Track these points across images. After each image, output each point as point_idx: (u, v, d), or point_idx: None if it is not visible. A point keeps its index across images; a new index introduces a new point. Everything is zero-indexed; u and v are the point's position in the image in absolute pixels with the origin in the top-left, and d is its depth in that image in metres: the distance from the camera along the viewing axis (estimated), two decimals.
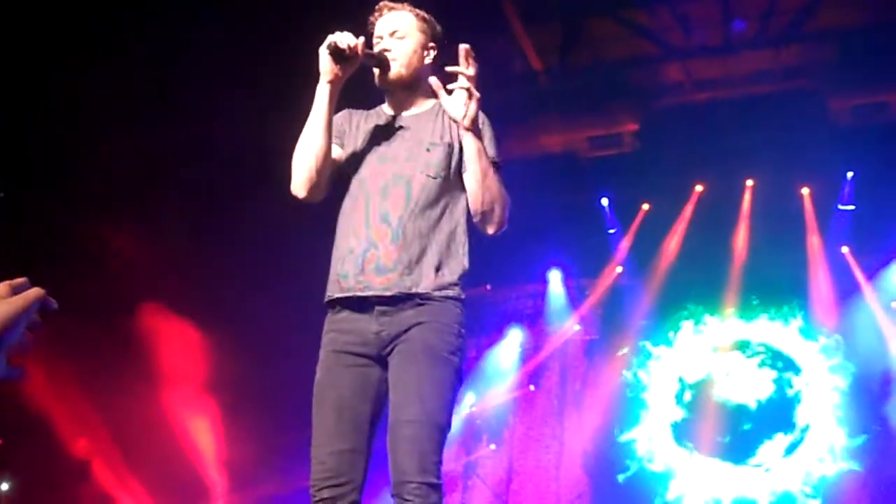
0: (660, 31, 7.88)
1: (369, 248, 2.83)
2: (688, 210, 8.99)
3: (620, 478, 8.90)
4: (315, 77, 2.89)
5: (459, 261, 2.90)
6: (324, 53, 2.86)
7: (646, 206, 9.18)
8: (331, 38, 2.84)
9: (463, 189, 2.93)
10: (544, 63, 8.14)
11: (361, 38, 2.88)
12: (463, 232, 2.94)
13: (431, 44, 3.07)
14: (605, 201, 9.31)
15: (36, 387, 6.85)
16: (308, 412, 2.82)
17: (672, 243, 9.07)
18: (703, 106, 8.30)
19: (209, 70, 6.31)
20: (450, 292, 2.83)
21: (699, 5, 7.64)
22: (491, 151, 2.94)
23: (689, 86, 8.36)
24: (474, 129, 2.84)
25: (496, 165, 2.94)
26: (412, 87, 3.04)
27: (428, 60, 3.05)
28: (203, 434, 8.12)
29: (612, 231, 9.36)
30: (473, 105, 2.82)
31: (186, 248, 7.44)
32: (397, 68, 2.99)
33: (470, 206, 2.91)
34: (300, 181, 2.90)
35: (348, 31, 2.88)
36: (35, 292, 1.25)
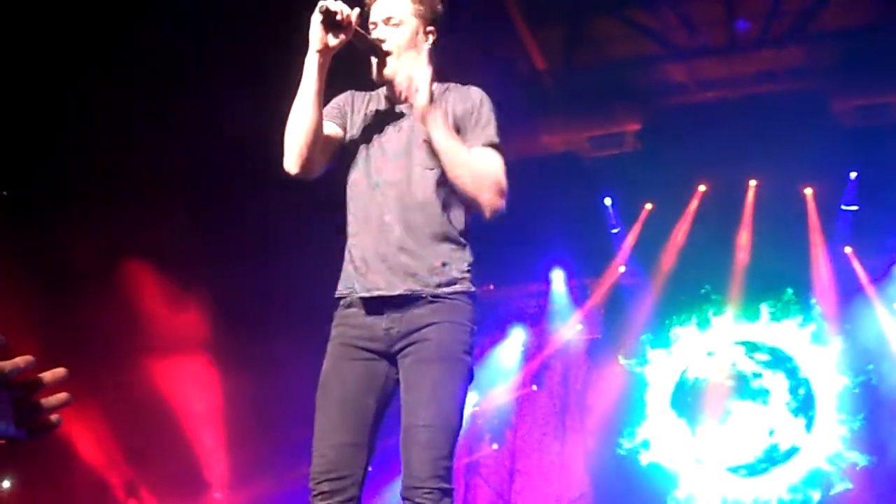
0: (663, 31, 7.87)
1: (373, 247, 2.78)
2: (690, 210, 8.98)
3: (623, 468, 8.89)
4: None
5: (464, 254, 2.83)
6: (315, 19, 2.72)
7: (648, 206, 9.17)
8: (322, 3, 2.69)
9: None
10: (548, 63, 8.13)
11: (357, 10, 2.76)
12: (465, 223, 2.87)
13: (430, 28, 2.92)
14: (607, 201, 9.30)
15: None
16: (310, 411, 2.81)
17: (675, 243, 9.06)
18: (707, 106, 8.28)
19: (216, 53, 6.28)
20: (458, 287, 2.77)
21: (703, 5, 7.63)
22: (488, 132, 2.84)
23: (692, 86, 8.34)
24: (428, 120, 2.72)
25: (495, 147, 2.83)
26: None
27: (427, 45, 2.92)
28: (204, 425, 8.11)
29: (614, 231, 9.36)
30: (418, 95, 2.71)
31: (192, 239, 7.41)
32: (393, 62, 2.86)
33: None
34: (291, 157, 2.80)
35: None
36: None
